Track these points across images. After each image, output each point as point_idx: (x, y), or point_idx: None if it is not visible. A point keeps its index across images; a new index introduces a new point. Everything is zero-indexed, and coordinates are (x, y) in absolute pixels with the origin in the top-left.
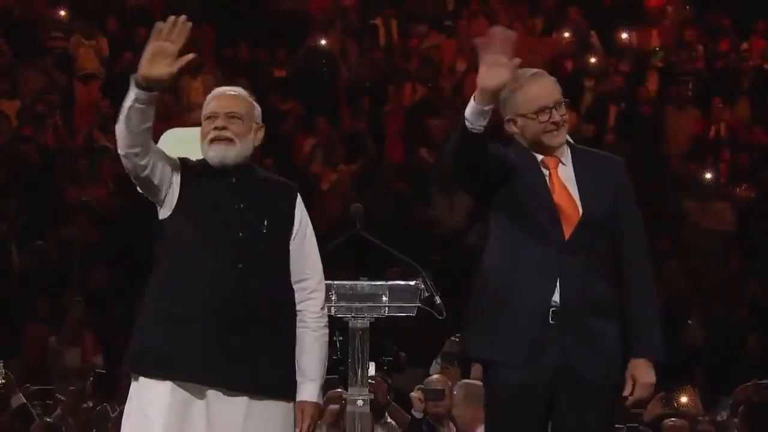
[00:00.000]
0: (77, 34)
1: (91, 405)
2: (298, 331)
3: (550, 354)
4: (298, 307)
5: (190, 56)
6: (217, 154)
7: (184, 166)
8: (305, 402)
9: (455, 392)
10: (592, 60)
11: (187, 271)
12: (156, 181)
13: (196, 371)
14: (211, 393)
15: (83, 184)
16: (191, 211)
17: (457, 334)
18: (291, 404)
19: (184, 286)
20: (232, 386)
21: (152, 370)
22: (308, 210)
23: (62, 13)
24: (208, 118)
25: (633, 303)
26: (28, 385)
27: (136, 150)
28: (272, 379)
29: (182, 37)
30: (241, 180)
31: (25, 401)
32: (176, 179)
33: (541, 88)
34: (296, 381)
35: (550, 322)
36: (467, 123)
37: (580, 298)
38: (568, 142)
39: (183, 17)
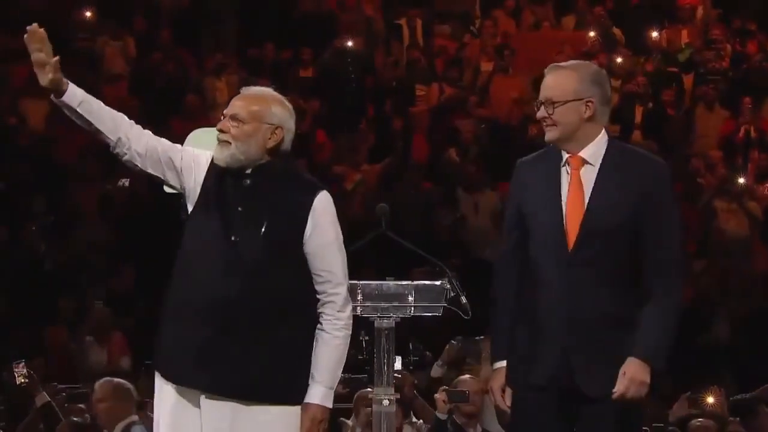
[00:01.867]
0: (104, 35)
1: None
2: (317, 333)
3: (561, 373)
4: (319, 310)
5: (54, 59)
6: (216, 156)
7: (210, 165)
8: (306, 404)
9: (99, 386)
10: (619, 60)
11: (188, 272)
12: (163, 177)
13: (185, 374)
14: (203, 397)
15: (109, 183)
16: (201, 212)
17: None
18: (295, 408)
19: (183, 287)
20: (216, 391)
21: (160, 369)
22: None
23: (88, 14)
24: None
25: (644, 313)
26: (55, 383)
27: (110, 146)
28: (265, 383)
29: (40, 41)
30: (257, 182)
31: (49, 399)
32: (199, 178)
33: (543, 83)
34: (304, 385)
35: (565, 340)
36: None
37: (591, 312)
38: (610, 140)
39: (34, 25)
